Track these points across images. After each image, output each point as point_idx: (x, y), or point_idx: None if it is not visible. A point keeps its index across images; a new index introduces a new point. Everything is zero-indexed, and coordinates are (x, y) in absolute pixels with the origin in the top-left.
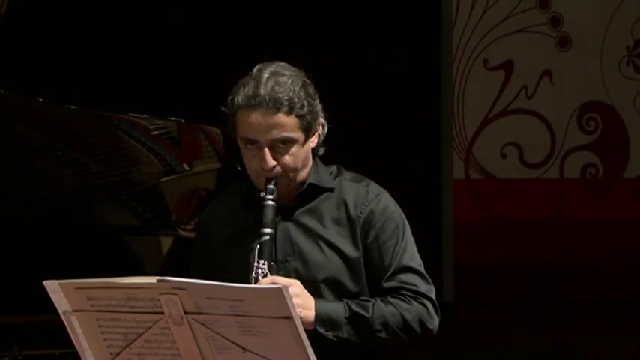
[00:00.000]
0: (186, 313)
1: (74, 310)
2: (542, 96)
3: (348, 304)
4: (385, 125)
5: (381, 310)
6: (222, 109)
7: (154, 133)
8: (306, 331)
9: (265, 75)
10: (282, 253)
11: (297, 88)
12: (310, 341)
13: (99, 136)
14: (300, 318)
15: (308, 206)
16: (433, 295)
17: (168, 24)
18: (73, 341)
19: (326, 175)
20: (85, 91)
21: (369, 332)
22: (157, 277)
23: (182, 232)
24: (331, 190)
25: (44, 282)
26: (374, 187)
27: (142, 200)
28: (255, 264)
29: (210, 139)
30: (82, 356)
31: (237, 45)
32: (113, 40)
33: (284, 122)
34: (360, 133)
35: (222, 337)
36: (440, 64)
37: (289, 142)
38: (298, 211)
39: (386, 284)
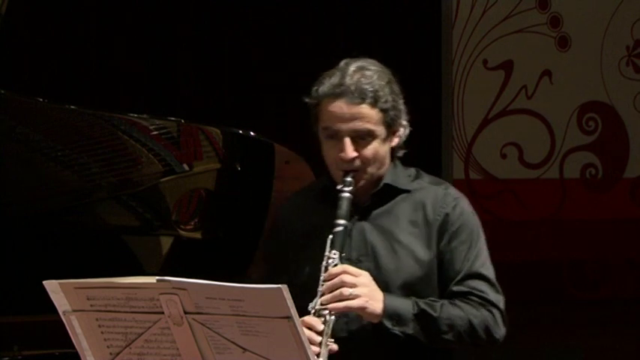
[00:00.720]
0: (186, 313)
1: (74, 310)
2: (542, 96)
3: (416, 302)
4: None
5: (449, 311)
6: (306, 100)
7: (154, 133)
8: (370, 331)
9: (352, 68)
10: (357, 253)
11: (383, 83)
12: (375, 341)
13: (99, 136)
14: (365, 309)
15: (384, 207)
16: (502, 306)
17: (168, 24)
18: (73, 341)
19: (404, 177)
20: (84, 91)
21: (435, 332)
22: (157, 277)
23: (182, 232)
24: (408, 191)
25: (44, 282)
26: (452, 191)
27: (141, 200)
28: (327, 254)
29: (210, 139)
30: (81, 356)
31: (237, 45)
32: (113, 40)
33: (367, 114)
34: None
35: (222, 337)
36: (440, 65)
37: (371, 135)
38: (375, 212)
39: (455, 288)
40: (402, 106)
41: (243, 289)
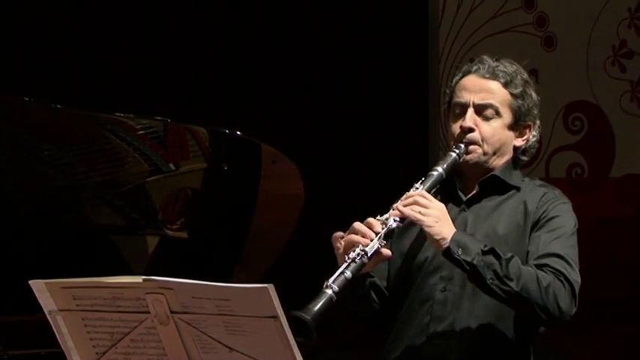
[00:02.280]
0: (172, 312)
1: (60, 310)
2: None
3: (487, 244)
4: (372, 125)
5: (518, 263)
6: (446, 91)
7: (140, 132)
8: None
9: (493, 60)
10: None
11: (519, 77)
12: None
13: (85, 135)
14: (431, 227)
15: (493, 202)
16: (577, 287)
17: (156, 23)
18: (59, 341)
19: (517, 177)
20: (71, 91)
21: (500, 274)
22: (143, 277)
23: (168, 232)
24: (516, 188)
25: (30, 282)
26: (558, 193)
27: (128, 200)
28: (416, 185)
29: (197, 138)
30: (67, 356)
31: (225, 45)
32: (100, 39)
33: (496, 90)
34: (346, 134)
35: (209, 336)
36: (427, 64)
37: (494, 113)
38: (482, 204)
39: (531, 262)
40: (535, 112)
41: (230, 289)
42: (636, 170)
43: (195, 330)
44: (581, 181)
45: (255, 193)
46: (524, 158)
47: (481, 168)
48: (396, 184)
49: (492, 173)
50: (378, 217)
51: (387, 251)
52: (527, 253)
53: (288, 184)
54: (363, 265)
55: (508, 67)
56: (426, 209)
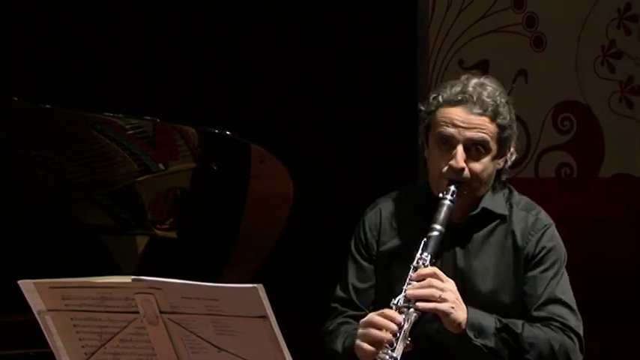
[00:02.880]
0: (161, 312)
1: (49, 310)
2: (518, 96)
3: (498, 319)
4: (361, 124)
5: (532, 331)
6: (421, 108)
7: (130, 132)
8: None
9: (473, 81)
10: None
11: (504, 101)
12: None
13: (75, 135)
14: (450, 315)
15: (480, 233)
16: (581, 332)
17: (156, 23)
18: (48, 341)
19: (500, 200)
20: (60, 91)
21: (517, 350)
22: (133, 277)
23: (157, 232)
24: (504, 217)
25: (19, 281)
26: (543, 218)
27: (117, 200)
28: (419, 255)
29: (186, 138)
30: (56, 356)
31: (214, 45)
32: (100, 39)
33: (485, 126)
34: (334, 133)
35: (198, 336)
36: (416, 64)
37: (484, 149)
38: (470, 236)
39: (535, 313)
40: (515, 130)
41: (219, 289)
42: (625, 170)
43: (184, 330)
44: (571, 181)
45: (244, 193)
46: (505, 177)
47: (467, 198)
48: (384, 183)
49: (482, 207)
50: (393, 302)
51: (409, 345)
52: (525, 293)
53: (277, 184)
54: None
55: (491, 91)
56: (442, 293)
